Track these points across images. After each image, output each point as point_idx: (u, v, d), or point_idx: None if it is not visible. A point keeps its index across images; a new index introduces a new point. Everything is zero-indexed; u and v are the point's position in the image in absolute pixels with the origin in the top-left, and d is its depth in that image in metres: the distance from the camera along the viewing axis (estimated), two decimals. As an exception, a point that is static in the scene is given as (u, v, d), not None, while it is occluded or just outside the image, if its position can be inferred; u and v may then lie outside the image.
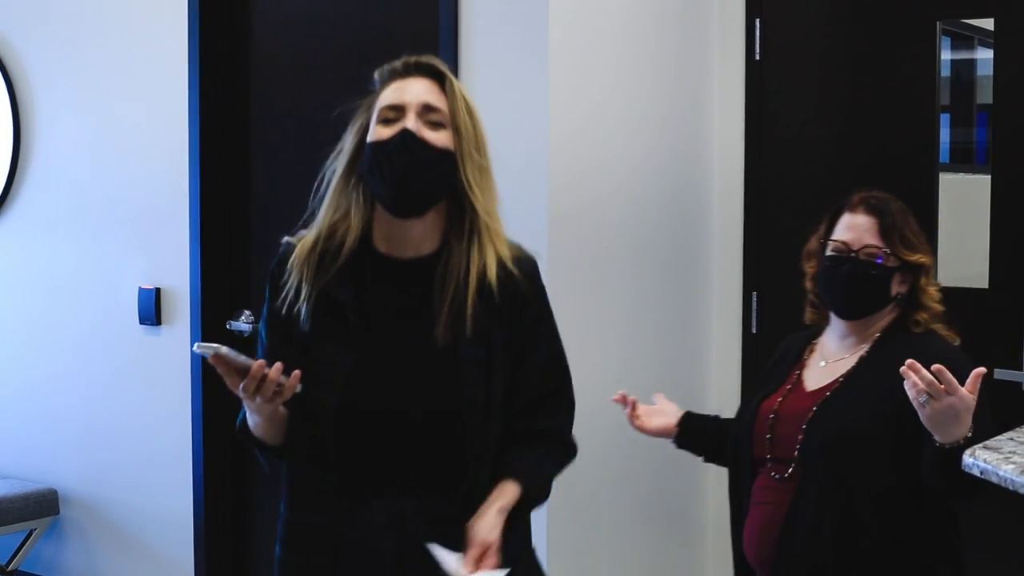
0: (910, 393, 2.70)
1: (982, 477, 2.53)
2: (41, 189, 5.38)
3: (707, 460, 3.48)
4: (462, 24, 4.16)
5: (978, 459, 2.53)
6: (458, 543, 2.46)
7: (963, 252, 4.34)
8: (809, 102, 4.55)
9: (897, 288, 3.12)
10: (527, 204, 4.05)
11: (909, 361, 2.70)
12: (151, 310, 5.01)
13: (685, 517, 4.60)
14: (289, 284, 2.57)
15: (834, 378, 3.11)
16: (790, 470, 3.06)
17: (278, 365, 2.41)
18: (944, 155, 4.40)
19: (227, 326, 4.89)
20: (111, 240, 5.16)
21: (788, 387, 3.19)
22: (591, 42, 4.18)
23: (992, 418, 2.92)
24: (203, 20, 4.83)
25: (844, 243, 3.11)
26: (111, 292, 5.15)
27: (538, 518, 2.85)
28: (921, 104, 4.34)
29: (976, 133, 4.55)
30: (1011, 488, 2.44)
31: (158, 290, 5.01)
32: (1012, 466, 2.44)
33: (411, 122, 2.49)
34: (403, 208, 2.53)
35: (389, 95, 2.54)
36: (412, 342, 2.55)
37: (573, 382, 2.75)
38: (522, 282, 2.60)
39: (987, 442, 2.67)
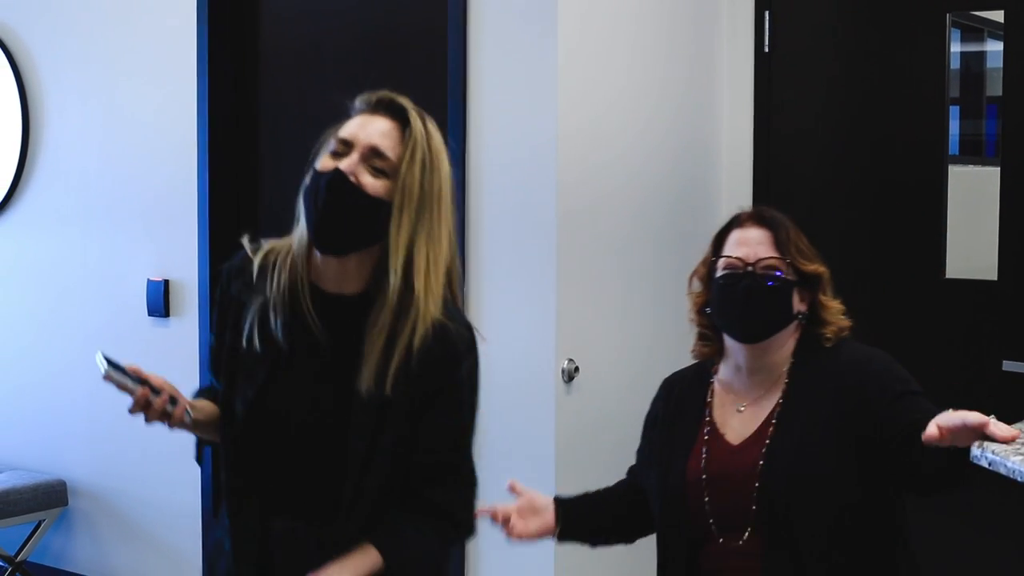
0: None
1: (990, 468, 2.52)
2: (50, 182, 5.38)
3: (595, 546, 3.18)
4: (471, 19, 4.16)
5: (986, 450, 2.52)
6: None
7: (972, 244, 4.34)
8: (818, 94, 4.54)
9: (798, 306, 2.84)
10: (536, 198, 4.06)
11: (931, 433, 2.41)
12: (160, 302, 5.01)
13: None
14: (239, 290, 2.57)
15: (761, 422, 2.83)
16: (746, 535, 2.77)
17: (164, 396, 2.47)
18: (953, 147, 4.40)
19: (235, 318, 4.88)
20: (120, 232, 5.17)
21: (705, 443, 2.87)
22: (601, 34, 4.17)
23: (997, 408, 2.74)
24: (212, 13, 4.83)
25: (738, 259, 2.82)
26: (120, 284, 5.16)
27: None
28: (930, 96, 4.33)
29: (985, 125, 4.54)
30: (1020, 480, 2.43)
31: (167, 282, 5.01)
32: (1020, 458, 2.43)
33: (348, 163, 2.41)
34: (321, 244, 2.47)
35: (348, 127, 2.47)
36: (320, 373, 2.50)
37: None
38: (442, 350, 2.47)
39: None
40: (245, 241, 2.62)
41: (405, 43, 4.53)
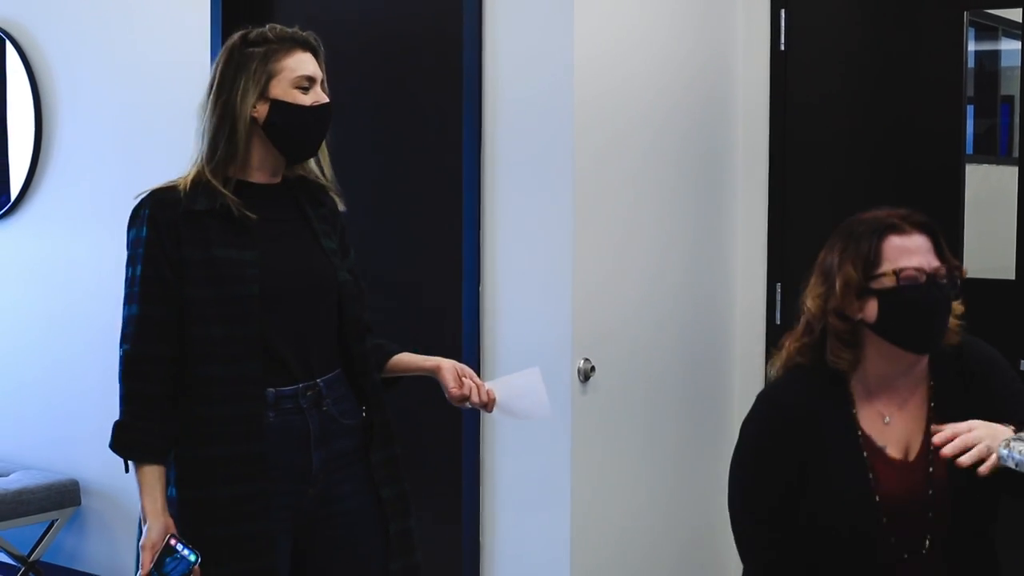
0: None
1: (1017, 469, 2.50)
2: (62, 180, 5.38)
3: None
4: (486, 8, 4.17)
5: (1013, 450, 2.51)
6: (354, 418, 3.01)
7: (990, 243, 4.33)
8: (834, 93, 4.53)
9: None
10: (553, 187, 4.05)
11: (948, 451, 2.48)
12: (173, 301, 5.00)
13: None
14: (164, 223, 2.89)
15: (922, 434, 2.74)
16: (925, 550, 2.70)
17: None
18: (968, 146, 4.39)
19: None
20: (132, 231, 5.16)
21: (868, 459, 2.74)
22: (615, 41, 4.16)
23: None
24: (226, 12, 4.83)
25: (917, 268, 2.68)
26: (133, 283, 5.15)
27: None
28: (947, 95, 4.32)
29: (999, 124, 4.53)
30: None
31: (180, 281, 5.00)
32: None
33: (319, 94, 2.98)
34: (304, 156, 3.04)
35: (297, 65, 2.97)
36: (291, 239, 2.99)
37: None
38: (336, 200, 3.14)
39: (1022, 434, 2.55)
40: (145, 194, 2.98)
41: (418, 47, 4.53)
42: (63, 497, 5.30)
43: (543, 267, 4.09)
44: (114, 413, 5.31)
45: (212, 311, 2.85)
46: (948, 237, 4.18)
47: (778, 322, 4.54)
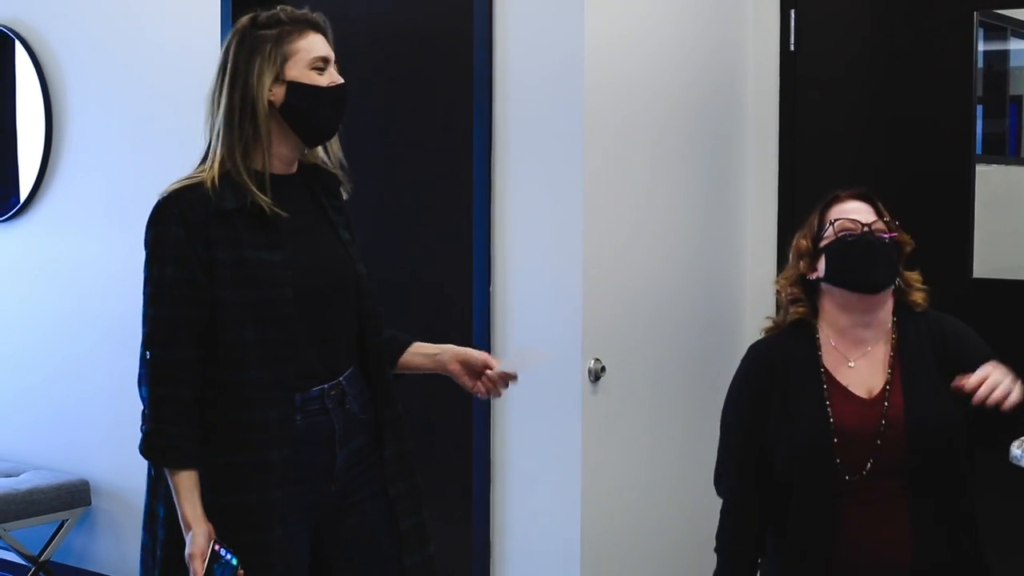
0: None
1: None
2: (73, 179, 5.39)
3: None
4: (496, 19, 4.16)
5: (1025, 450, 2.56)
6: (367, 412, 2.99)
7: (1000, 244, 4.33)
8: (844, 93, 4.53)
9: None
10: (562, 186, 4.05)
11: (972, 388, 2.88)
12: (183, 301, 5.00)
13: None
14: (195, 223, 2.82)
15: (883, 376, 3.13)
16: (881, 482, 3.06)
17: None
18: (977, 146, 4.39)
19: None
20: (142, 232, 5.14)
21: (830, 396, 3.13)
22: (621, 35, 4.16)
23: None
24: (235, 10, 4.82)
25: (853, 220, 3.14)
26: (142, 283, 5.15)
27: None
28: (956, 95, 4.32)
29: (1008, 124, 4.53)
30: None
31: (190, 281, 5.01)
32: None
33: (334, 74, 2.94)
34: (323, 139, 3.01)
35: (311, 47, 2.90)
36: (314, 234, 2.97)
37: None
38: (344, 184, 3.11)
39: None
40: (171, 191, 2.90)
41: (427, 46, 4.53)
42: (73, 497, 5.31)
43: (553, 267, 4.09)
44: (125, 413, 5.32)
45: (244, 315, 2.79)
46: (957, 238, 4.25)
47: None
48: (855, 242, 3.12)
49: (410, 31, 4.58)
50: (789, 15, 4.52)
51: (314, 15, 2.96)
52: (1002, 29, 4.43)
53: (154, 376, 2.79)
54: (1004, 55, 4.49)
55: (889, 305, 3.18)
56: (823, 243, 3.16)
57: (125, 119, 5.20)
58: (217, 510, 2.80)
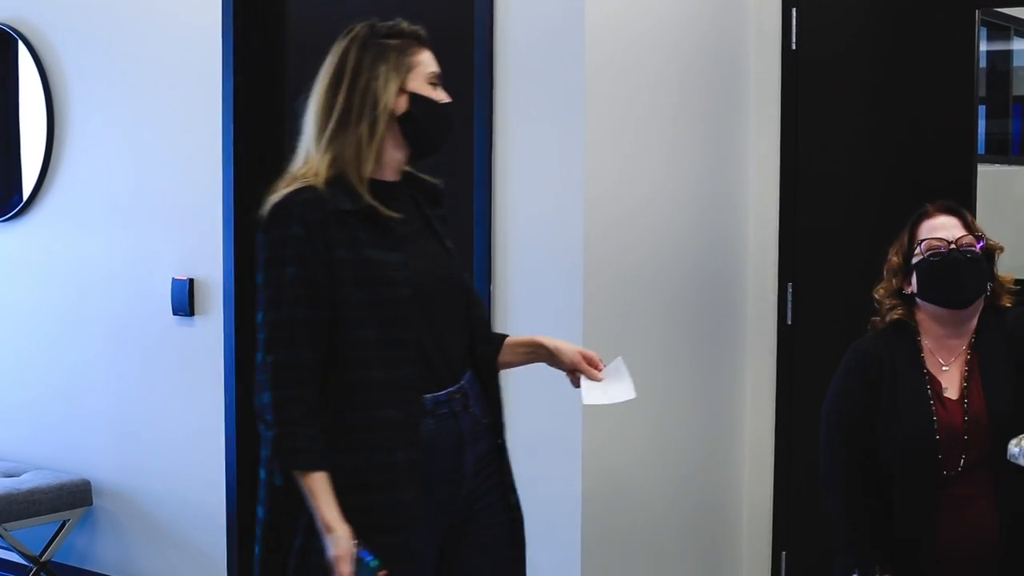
0: None
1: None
2: (74, 181, 5.38)
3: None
4: (497, 29, 4.16)
5: (1025, 449, 2.58)
6: (487, 417, 3.00)
7: (1002, 243, 4.32)
8: (846, 92, 4.53)
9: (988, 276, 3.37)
10: (563, 214, 4.05)
11: None
12: (184, 301, 5.01)
13: (720, 517, 4.59)
14: (314, 223, 2.79)
15: (963, 378, 3.33)
16: (960, 466, 3.28)
17: None
18: (980, 146, 4.38)
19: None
20: (144, 231, 5.17)
21: (934, 396, 3.32)
22: (625, 32, 4.16)
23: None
24: (237, 10, 4.83)
25: (939, 239, 3.32)
26: (144, 283, 5.16)
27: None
28: (959, 94, 4.31)
29: (1012, 124, 4.53)
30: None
31: (191, 281, 5.01)
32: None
33: (443, 92, 2.96)
34: (431, 153, 3.00)
35: (429, 61, 2.95)
36: (423, 241, 2.98)
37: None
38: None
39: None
40: (285, 193, 2.85)
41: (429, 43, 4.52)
42: (75, 497, 5.30)
43: (555, 263, 4.09)
44: (126, 413, 5.33)
45: (366, 314, 2.78)
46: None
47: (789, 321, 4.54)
48: (942, 261, 3.30)
49: (412, 13, 4.56)
50: (791, 14, 4.52)
51: (424, 31, 2.99)
52: (1005, 29, 4.42)
53: (278, 379, 2.75)
54: (1007, 55, 4.48)
55: (977, 313, 3.37)
56: (914, 260, 3.35)
57: (127, 118, 5.19)
58: (349, 512, 2.76)
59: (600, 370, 3.10)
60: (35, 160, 5.46)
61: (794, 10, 4.51)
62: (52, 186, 5.44)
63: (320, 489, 2.74)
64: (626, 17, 4.15)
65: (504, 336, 3.16)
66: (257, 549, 2.90)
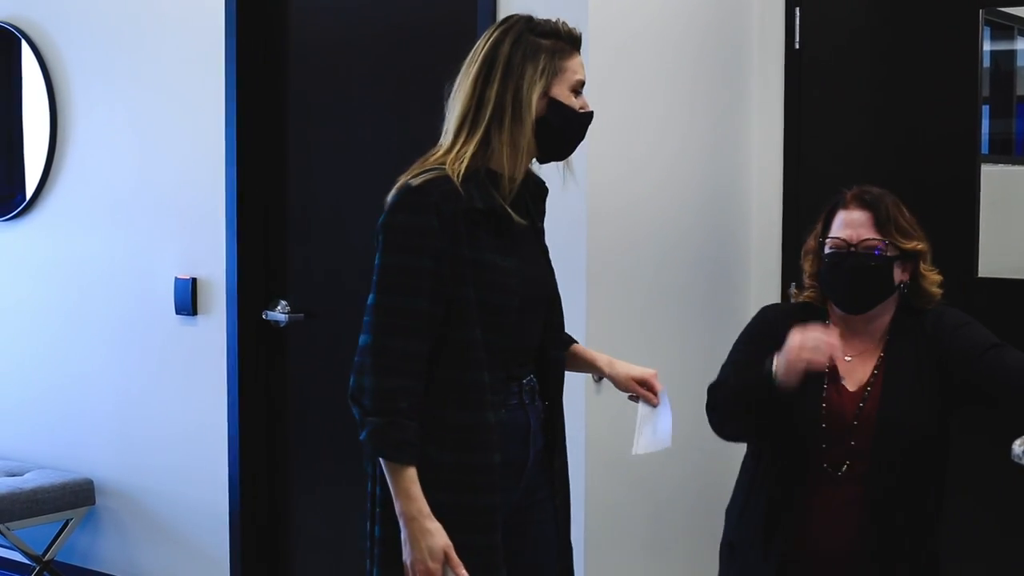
0: None
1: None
2: (77, 180, 5.39)
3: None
4: (500, 13, 4.15)
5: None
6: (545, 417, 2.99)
7: (1005, 244, 4.32)
8: (849, 92, 4.52)
9: (899, 277, 3.19)
10: (568, 200, 4.05)
11: None
12: (187, 300, 5.01)
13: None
14: (447, 216, 2.78)
15: (868, 374, 3.20)
16: (845, 467, 3.15)
17: None
18: (983, 146, 4.37)
19: (263, 316, 4.89)
20: (147, 230, 5.17)
21: (828, 382, 3.20)
22: (631, 30, 4.16)
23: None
24: (240, 9, 4.83)
25: (843, 239, 3.17)
26: (147, 282, 5.16)
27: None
28: (963, 94, 4.31)
29: (1016, 124, 4.52)
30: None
31: (194, 280, 5.01)
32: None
33: (588, 104, 2.93)
34: (558, 159, 3.01)
35: (578, 68, 2.91)
36: (530, 244, 2.98)
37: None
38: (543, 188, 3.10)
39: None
40: (422, 179, 2.81)
41: (433, 39, 4.52)
42: (77, 496, 5.31)
43: (557, 254, 4.09)
44: (129, 412, 5.33)
45: (477, 315, 2.78)
46: (963, 237, 4.23)
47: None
48: (840, 265, 3.17)
49: (417, 28, 4.57)
50: (794, 13, 4.52)
51: (579, 33, 2.95)
52: (1008, 28, 4.42)
53: (389, 366, 2.73)
54: (1011, 55, 4.47)
55: (885, 314, 3.23)
56: (825, 251, 3.22)
57: (130, 117, 5.20)
58: (446, 509, 2.75)
59: (656, 392, 3.13)
60: (38, 159, 5.46)
61: (797, 9, 4.51)
62: (55, 185, 5.44)
63: (415, 482, 2.73)
64: (629, 16, 4.15)
65: (572, 340, 3.18)
66: (376, 571, 2.87)
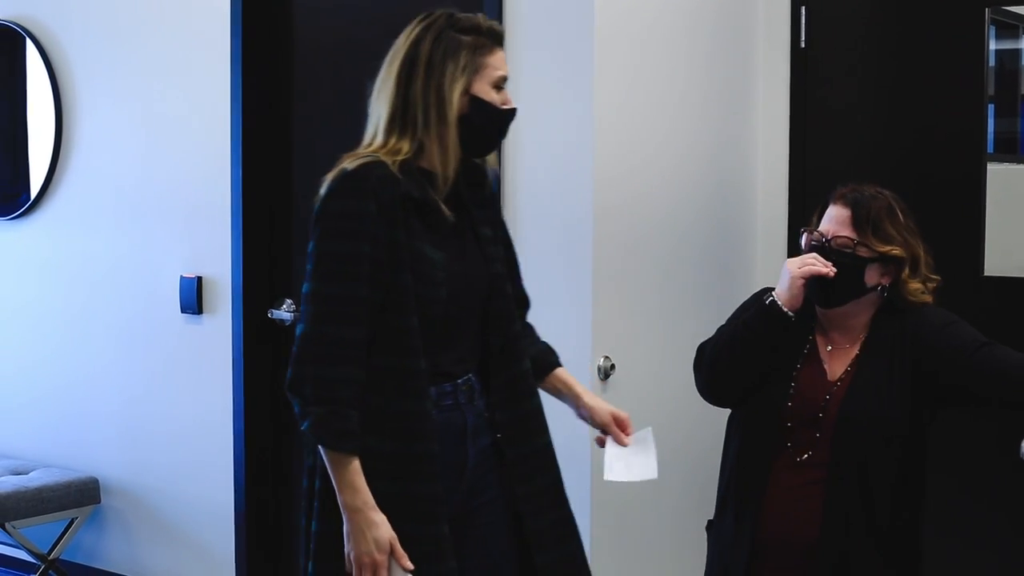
0: None
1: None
2: (83, 179, 5.39)
3: None
4: (507, 17, 4.15)
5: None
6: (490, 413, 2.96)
7: (1011, 242, 4.32)
8: (855, 90, 4.52)
9: (878, 279, 3.18)
10: (572, 196, 4.05)
11: None
12: (193, 299, 5.01)
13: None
14: (385, 201, 2.78)
15: (845, 367, 3.21)
16: (807, 456, 3.18)
17: None
18: (989, 145, 4.37)
19: (268, 315, 4.89)
20: (153, 229, 5.17)
21: (806, 368, 3.24)
22: (637, 29, 4.16)
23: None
24: (245, 8, 4.83)
25: (820, 233, 3.21)
26: (153, 281, 5.16)
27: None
28: (968, 93, 4.31)
29: (1020, 123, 4.52)
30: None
31: (200, 279, 5.01)
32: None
33: (510, 99, 2.94)
34: (483, 155, 3.00)
35: (499, 64, 2.92)
36: (459, 237, 2.94)
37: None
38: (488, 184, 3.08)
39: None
40: (360, 163, 2.83)
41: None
42: (83, 495, 5.31)
43: (563, 270, 4.09)
44: (135, 411, 5.33)
45: (413, 302, 2.78)
46: (968, 236, 4.23)
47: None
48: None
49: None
50: (800, 12, 4.51)
51: (502, 29, 2.96)
52: (1014, 27, 4.42)
53: (329, 355, 2.72)
54: (1016, 54, 4.47)
55: (863, 313, 3.23)
56: (803, 241, 3.29)
57: (135, 116, 5.20)
58: (388, 499, 2.74)
59: (628, 434, 3.11)
60: (43, 158, 5.47)
61: (803, 7, 4.51)
62: (60, 184, 5.45)
63: (358, 473, 2.72)
64: (635, 15, 4.15)
65: (557, 363, 3.18)
66: (311, 565, 2.85)
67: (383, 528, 2.71)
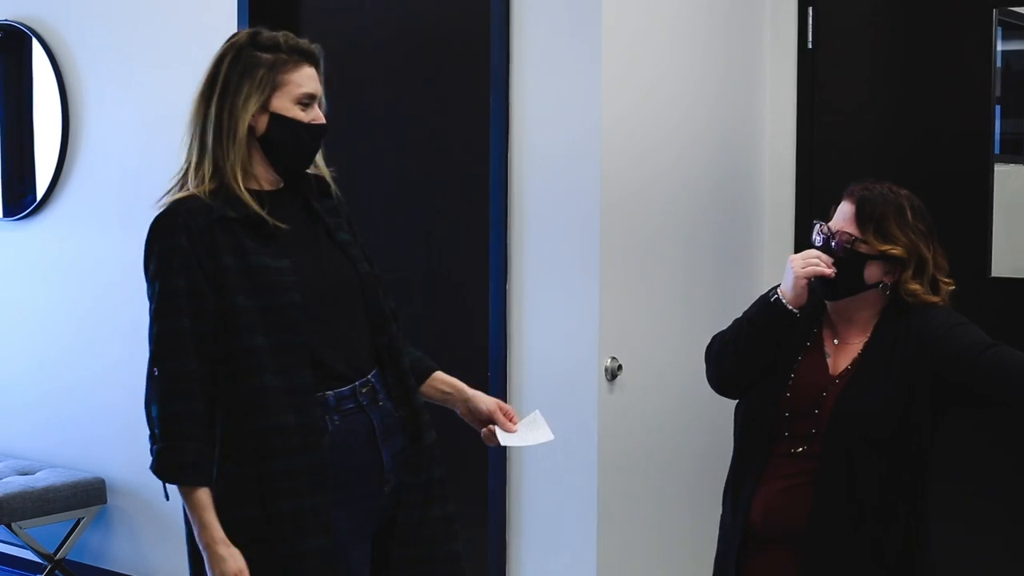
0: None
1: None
2: (89, 179, 5.39)
3: None
4: (513, 9, 4.15)
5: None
6: (399, 409, 2.94)
7: (1019, 243, 4.31)
8: (862, 91, 4.52)
9: (880, 277, 3.18)
10: (580, 194, 4.05)
11: None
12: (199, 299, 5.01)
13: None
14: (197, 231, 2.79)
15: (848, 362, 3.21)
16: (802, 448, 3.18)
17: None
18: (996, 146, 4.37)
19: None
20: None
21: (809, 361, 3.25)
22: (643, 30, 4.16)
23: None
24: (252, 7, 4.83)
25: (826, 225, 3.24)
26: (159, 281, 5.15)
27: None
28: (976, 94, 4.31)
29: (1027, 124, 4.52)
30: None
31: (206, 279, 5.01)
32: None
33: (318, 113, 2.95)
34: (293, 174, 2.96)
35: (303, 81, 2.91)
36: (313, 243, 2.93)
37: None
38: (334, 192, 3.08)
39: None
40: (167, 204, 2.87)
41: (447, 34, 4.53)
42: (89, 495, 5.31)
43: (570, 270, 4.09)
44: (141, 411, 5.30)
45: (256, 321, 2.76)
46: (976, 237, 4.23)
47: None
48: (819, 250, 3.23)
49: (428, 33, 4.57)
50: (807, 13, 4.51)
51: (312, 47, 2.96)
52: (1021, 29, 4.41)
53: (165, 391, 2.75)
54: (1022, 55, 4.47)
55: (867, 308, 3.22)
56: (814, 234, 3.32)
57: (141, 117, 5.20)
58: (248, 522, 2.75)
59: (514, 423, 3.10)
60: (49, 158, 5.47)
61: (810, 8, 4.51)
62: (66, 184, 5.45)
63: (204, 506, 2.75)
64: (642, 15, 4.15)
65: (433, 368, 3.16)
66: None
67: (229, 563, 2.74)
